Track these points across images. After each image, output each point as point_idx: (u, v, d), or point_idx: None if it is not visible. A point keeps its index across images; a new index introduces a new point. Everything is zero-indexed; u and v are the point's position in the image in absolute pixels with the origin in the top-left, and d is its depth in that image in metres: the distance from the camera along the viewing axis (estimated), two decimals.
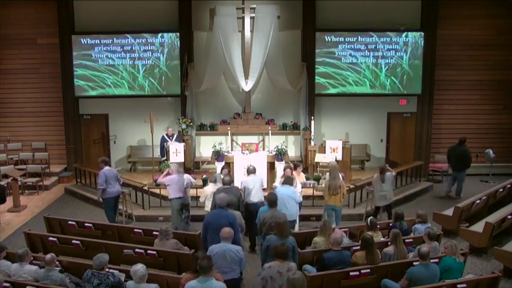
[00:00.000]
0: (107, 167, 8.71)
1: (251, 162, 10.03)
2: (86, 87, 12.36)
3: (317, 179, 9.54)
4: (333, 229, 6.62)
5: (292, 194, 7.55)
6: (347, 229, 6.89)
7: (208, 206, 8.11)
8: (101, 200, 8.82)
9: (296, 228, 7.81)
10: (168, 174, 8.57)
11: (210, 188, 8.19)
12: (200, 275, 4.61)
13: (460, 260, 5.72)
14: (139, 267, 4.83)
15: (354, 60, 12.31)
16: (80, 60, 12.24)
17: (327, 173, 8.97)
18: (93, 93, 12.43)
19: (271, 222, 6.22)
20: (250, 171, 8.13)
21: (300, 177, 8.91)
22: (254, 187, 7.81)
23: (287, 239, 5.58)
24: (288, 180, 7.74)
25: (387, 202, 8.80)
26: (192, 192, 9.23)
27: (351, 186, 9.91)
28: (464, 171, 10.86)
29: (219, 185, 8.03)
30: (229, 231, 5.43)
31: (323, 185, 8.67)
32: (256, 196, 7.78)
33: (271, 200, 6.64)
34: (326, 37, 12.21)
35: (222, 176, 8.03)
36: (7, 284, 5.35)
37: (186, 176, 8.87)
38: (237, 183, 9.75)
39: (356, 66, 12.33)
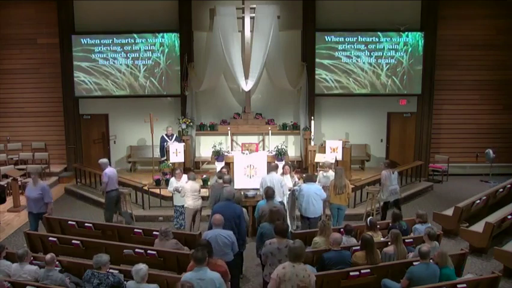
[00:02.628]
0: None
1: (252, 162, 10.09)
2: (86, 87, 12.36)
3: None
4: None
5: (318, 191, 7.79)
6: (342, 226, 6.93)
7: (187, 202, 8.25)
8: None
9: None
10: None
11: (189, 185, 8.27)
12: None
13: (451, 266, 5.63)
14: (142, 267, 4.81)
15: (354, 60, 12.30)
16: (80, 60, 12.23)
17: (320, 172, 8.98)
18: (93, 93, 12.42)
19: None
20: (271, 168, 8.16)
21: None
22: (271, 185, 7.75)
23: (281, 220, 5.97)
24: (310, 177, 7.99)
25: (398, 196, 9.15)
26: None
27: (351, 186, 9.90)
28: None
29: (193, 182, 8.25)
30: (219, 218, 5.75)
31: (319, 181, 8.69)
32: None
33: (268, 194, 7.02)
34: (325, 37, 12.21)
35: (221, 175, 8.10)
36: (7, 284, 5.35)
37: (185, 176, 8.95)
38: (237, 183, 9.81)
39: (356, 66, 12.33)
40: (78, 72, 12.25)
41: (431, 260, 5.51)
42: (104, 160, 9.09)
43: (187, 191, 8.22)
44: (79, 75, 12.27)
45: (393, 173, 9.03)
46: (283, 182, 8.02)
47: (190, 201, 8.21)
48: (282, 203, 7.82)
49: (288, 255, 4.81)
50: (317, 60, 12.25)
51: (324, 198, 7.94)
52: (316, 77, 12.31)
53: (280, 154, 10.40)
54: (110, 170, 8.83)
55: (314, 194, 7.69)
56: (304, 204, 7.69)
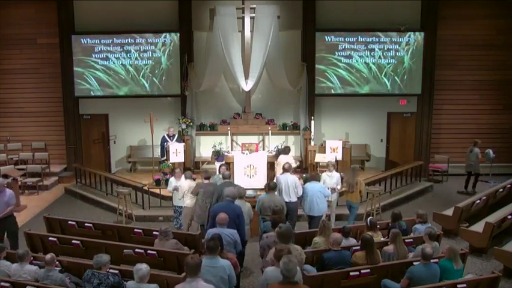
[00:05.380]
0: None
1: (252, 162, 10.08)
2: (86, 87, 12.36)
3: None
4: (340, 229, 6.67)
5: (322, 190, 7.90)
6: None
7: (185, 202, 8.27)
8: None
9: (332, 224, 8.32)
10: None
11: (187, 184, 8.29)
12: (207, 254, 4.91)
13: (457, 267, 5.62)
14: (142, 267, 4.74)
15: (354, 60, 12.30)
16: (80, 60, 12.23)
17: (324, 173, 8.96)
18: (93, 93, 12.43)
19: (269, 206, 6.94)
20: (285, 169, 8.18)
21: None
22: (286, 185, 7.83)
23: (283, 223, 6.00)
24: (313, 177, 8.14)
25: (472, 171, 11.10)
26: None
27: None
28: None
29: (191, 181, 8.34)
30: (224, 217, 5.84)
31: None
32: (286, 194, 7.82)
33: (270, 186, 7.33)
34: (325, 37, 12.21)
35: (221, 172, 8.16)
36: (7, 284, 5.34)
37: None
38: (237, 182, 9.80)
39: (356, 66, 12.33)
40: (78, 72, 12.24)
41: (431, 260, 5.51)
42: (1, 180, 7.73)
43: (184, 190, 8.23)
44: (79, 75, 12.27)
45: (471, 151, 10.93)
46: (298, 183, 8.01)
47: (188, 201, 8.21)
48: (295, 203, 7.89)
49: (278, 239, 5.25)
50: (317, 60, 12.24)
51: (328, 196, 8.04)
52: (316, 77, 12.31)
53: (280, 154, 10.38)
54: (11, 192, 7.50)
55: (318, 192, 7.78)
56: (309, 203, 7.76)
